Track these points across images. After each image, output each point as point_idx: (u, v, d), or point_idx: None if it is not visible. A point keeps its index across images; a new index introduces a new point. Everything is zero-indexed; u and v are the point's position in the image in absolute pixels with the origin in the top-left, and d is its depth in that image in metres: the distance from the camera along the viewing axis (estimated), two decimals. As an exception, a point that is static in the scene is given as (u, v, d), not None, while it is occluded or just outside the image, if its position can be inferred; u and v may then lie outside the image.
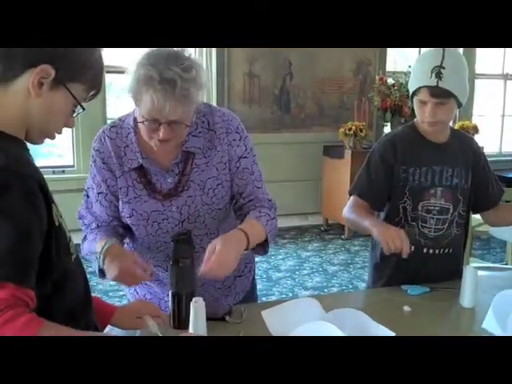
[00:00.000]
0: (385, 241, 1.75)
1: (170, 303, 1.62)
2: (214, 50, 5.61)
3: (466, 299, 1.77)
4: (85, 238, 1.73)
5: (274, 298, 3.93)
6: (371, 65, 6.34)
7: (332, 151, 5.75)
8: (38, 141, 1.18)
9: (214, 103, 5.20)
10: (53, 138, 1.19)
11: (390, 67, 6.39)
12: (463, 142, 2.02)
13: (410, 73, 5.51)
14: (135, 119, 1.60)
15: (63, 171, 5.46)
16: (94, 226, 1.72)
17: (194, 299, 1.49)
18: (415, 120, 1.98)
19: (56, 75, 1.09)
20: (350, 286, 4.39)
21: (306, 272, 4.67)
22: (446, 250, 1.99)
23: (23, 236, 1.01)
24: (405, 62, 6.32)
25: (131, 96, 1.52)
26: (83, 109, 1.17)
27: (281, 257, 5.03)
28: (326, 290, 4.27)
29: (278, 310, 1.60)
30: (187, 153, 1.65)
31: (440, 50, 1.82)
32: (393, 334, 1.46)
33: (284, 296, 4.11)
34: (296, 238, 5.60)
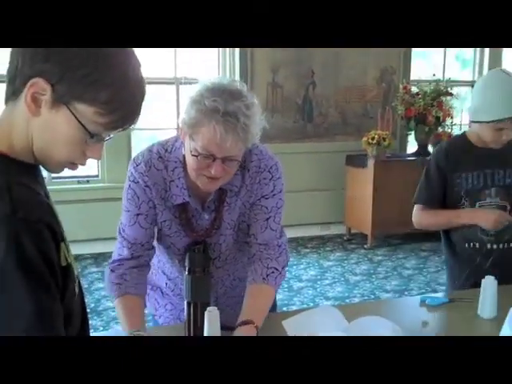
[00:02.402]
0: (494, 222, 2.01)
1: (185, 312, 1.63)
2: (237, 59, 5.64)
3: (486, 310, 1.74)
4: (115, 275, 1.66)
5: (294, 308, 3.90)
6: (395, 73, 6.30)
7: (355, 160, 5.72)
8: (51, 168, 1.05)
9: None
10: (70, 167, 1.05)
11: (414, 76, 6.33)
12: None
13: (434, 81, 5.49)
14: (183, 155, 1.57)
15: (88, 181, 5.51)
16: (126, 252, 1.66)
17: (208, 308, 1.50)
18: (466, 131, 2.20)
19: (54, 91, 0.93)
20: (372, 297, 4.34)
21: (327, 282, 4.64)
22: (510, 245, 2.12)
23: (44, 292, 0.92)
24: (429, 70, 6.27)
25: (187, 127, 1.47)
26: (91, 135, 0.98)
27: (302, 266, 5.01)
28: (347, 301, 4.24)
29: (298, 318, 1.60)
30: (220, 190, 1.62)
31: (508, 76, 1.98)
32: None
33: (305, 306, 4.09)
34: (318, 248, 5.57)
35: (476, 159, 2.11)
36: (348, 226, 5.92)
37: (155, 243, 1.77)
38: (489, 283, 1.74)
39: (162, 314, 1.88)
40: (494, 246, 2.10)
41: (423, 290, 4.42)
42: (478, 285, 2.02)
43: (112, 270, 1.65)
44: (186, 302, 1.62)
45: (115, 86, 0.96)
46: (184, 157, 1.57)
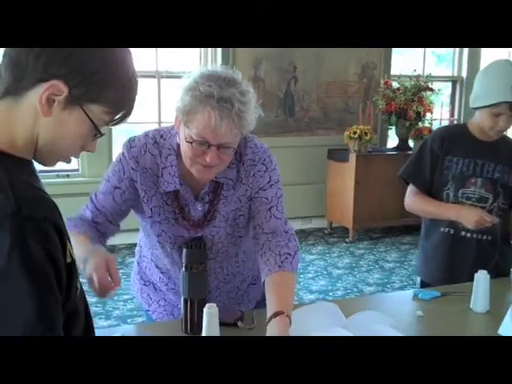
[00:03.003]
0: (475, 223, 2.03)
1: (181, 308, 1.62)
2: (219, 54, 5.62)
3: (479, 304, 1.76)
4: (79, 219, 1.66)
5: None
6: (376, 68, 6.33)
7: (336, 155, 5.74)
8: (47, 163, 1.05)
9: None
10: (67, 161, 1.07)
11: (394, 71, 6.38)
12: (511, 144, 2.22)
13: (414, 77, 5.54)
14: (178, 143, 1.56)
15: (68, 175, 5.45)
16: (88, 214, 1.66)
17: (207, 305, 1.49)
18: (468, 121, 2.25)
19: (70, 93, 0.95)
20: (355, 290, 4.38)
21: (310, 276, 4.66)
22: (484, 237, 2.14)
23: (47, 292, 0.91)
24: (410, 65, 6.31)
25: (182, 114, 1.46)
26: (101, 134, 1.03)
27: (286, 260, 5.03)
28: (330, 294, 4.27)
29: (296, 314, 1.60)
30: (216, 183, 1.63)
31: (509, 65, 2.05)
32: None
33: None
34: (300, 242, 5.51)
35: (470, 147, 2.16)
36: (329, 219, 5.95)
37: (143, 235, 1.78)
38: (481, 278, 1.77)
39: (156, 310, 1.87)
40: (468, 235, 2.14)
41: (405, 283, 4.47)
42: (453, 274, 2.12)
43: (68, 219, 1.61)
44: (182, 299, 1.61)
45: (122, 86, 1.00)
46: (178, 145, 1.56)
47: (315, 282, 4.51)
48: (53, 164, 1.06)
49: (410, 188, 2.27)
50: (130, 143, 1.62)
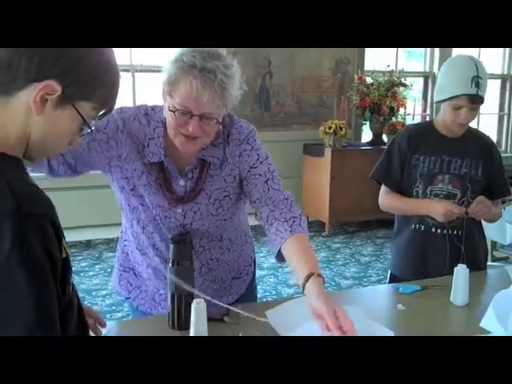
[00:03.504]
0: (443, 215, 2.07)
1: (168, 304, 1.63)
2: (194, 47, 5.61)
3: (459, 298, 1.80)
4: None
5: (258, 296, 3.93)
6: (350, 64, 6.39)
7: (312, 149, 5.79)
8: (36, 159, 1.07)
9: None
10: (53, 156, 1.11)
11: (368, 66, 6.44)
12: (477, 138, 2.25)
13: (388, 72, 5.60)
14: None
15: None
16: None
17: (195, 301, 1.50)
18: (434, 118, 2.30)
19: (63, 92, 0.97)
20: (333, 283, 4.43)
21: (287, 269, 4.68)
22: (454, 232, 2.18)
23: (45, 289, 0.93)
24: (383, 61, 6.38)
25: (167, 85, 1.50)
26: (91, 130, 1.07)
27: (262, 254, 5.04)
28: (308, 288, 4.30)
29: (281, 309, 1.62)
30: (203, 161, 1.64)
31: (470, 59, 2.07)
32: (391, 333, 1.49)
33: (267, 294, 4.14)
34: (277, 236, 5.60)
35: (436, 145, 2.19)
36: (305, 214, 5.93)
37: (125, 214, 1.76)
38: (461, 271, 1.81)
39: (137, 296, 1.87)
40: (438, 231, 2.18)
41: (381, 276, 4.53)
42: (422, 268, 2.18)
43: None
44: (169, 294, 1.62)
45: (110, 83, 1.05)
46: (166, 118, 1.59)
47: (292, 277, 4.53)
48: (40, 161, 1.10)
49: (383, 188, 2.30)
50: (122, 109, 1.65)
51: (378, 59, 6.55)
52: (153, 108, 1.65)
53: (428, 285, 1.97)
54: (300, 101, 6.24)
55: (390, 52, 6.68)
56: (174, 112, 1.49)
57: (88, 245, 4.99)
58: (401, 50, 6.80)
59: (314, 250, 5.18)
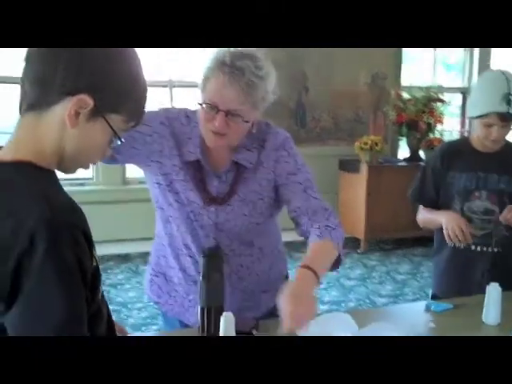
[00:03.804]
0: (446, 229, 2.03)
1: (198, 317, 1.65)
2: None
3: (490, 317, 1.78)
4: None
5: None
6: (386, 78, 6.36)
7: (348, 165, 5.77)
8: (70, 171, 1.11)
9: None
10: (87, 168, 1.13)
11: (405, 82, 6.41)
12: None
13: (425, 88, 5.53)
14: None
15: (82, 184, 5.51)
16: None
17: (224, 314, 1.52)
18: (469, 135, 2.30)
19: (95, 106, 1.01)
20: (368, 301, 4.39)
21: (322, 286, 4.67)
22: (496, 250, 2.14)
23: (76, 295, 0.97)
24: (420, 77, 6.34)
25: (201, 82, 1.57)
26: (121, 141, 1.10)
27: (297, 270, 5.05)
28: (342, 305, 4.28)
29: (312, 324, 1.63)
30: (237, 165, 1.69)
31: (501, 75, 2.03)
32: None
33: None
34: (311, 252, 5.59)
35: (471, 161, 2.16)
36: (340, 230, 5.95)
37: (158, 217, 1.80)
38: (493, 290, 1.79)
39: (166, 302, 1.89)
40: (478, 249, 2.14)
41: (417, 295, 4.48)
42: (465, 287, 2.12)
43: None
44: (199, 307, 1.64)
45: (139, 96, 1.09)
46: None
47: (327, 293, 4.52)
48: (74, 172, 1.13)
49: (420, 207, 2.29)
50: (167, 108, 1.75)
51: (416, 74, 6.51)
52: (194, 111, 1.71)
53: (461, 303, 1.95)
54: (336, 116, 6.23)
55: (428, 67, 6.63)
56: (202, 106, 1.56)
57: (126, 258, 5.06)
58: (439, 64, 6.75)
59: (346, 267, 5.14)
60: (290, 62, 5.85)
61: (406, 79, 6.44)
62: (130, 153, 1.67)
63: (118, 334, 1.46)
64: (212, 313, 1.63)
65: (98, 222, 5.44)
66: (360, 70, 6.22)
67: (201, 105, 1.57)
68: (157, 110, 1.73)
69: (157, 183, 1.74)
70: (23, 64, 1.03)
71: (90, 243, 1.03)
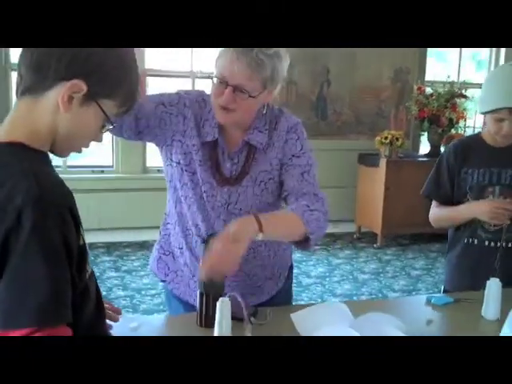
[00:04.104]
0: (488, 214, 2.05)
1: (197, 302, 1.68)
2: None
3: (490, 312, 1.78)
4: None
5: (302, 303, 3.95)
6: (410, 73, 6.31)
7: (367, 159, 5.75)
8: (63, 154, 1.15)
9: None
10: (79, 151, 1.16)
11: (428, 76, 6.35)
12: None
13: (448, 83, 5.48)
14: None
15: (102, 171, 5.59)
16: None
17: (220, 299, 1.54)
18: (481, 131, 2.26)
19: (88, 91, 1.05)
20: (380, 295, 4.38)
21: (335, 279, 4.69)
22: (510, 245, 2.13)
23: (60, 275, 1.00)
24: (444, 71, 6.28)
25: (215, 64, 1.63)
26: (113, 126, 1.15)
27: (311, 263, 5.06)
28: (355, 298, 4.29)
29: (307, 312, 1.64)
30: (249, 145, 1.74)
31: None
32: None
33: (313, 302, 4.13)
34: (328, 245, 5.61)
35: (484, 156, 2.15)
36: (358, 224, 5.96)
37: (170, 196, 1.85)
38: (493, 285, 1.78)
39: (172, 280, 1.93)
40: (492, 244, 2.14)
41: (431, 291, 4.45)
42: (476, 283, 2.09)
43: None
44: (198, 293, 1.67)
45: (131, 82, 1.13)
46: None
47: (340, 286, 4.53)
48: (67, 155, 1.17)
49: (433, 203, 2.28)
50: (187, 91, 1.81)
51: (440, 69, 6.45)
52: (209, 94, 1.76)
53: (462, 297, 1.95)
54: (357, 110, 6.21)
55: (453, 62, 6.56)
56: (212, 80, 1.62)
57: (143, 245, 5.12)
58: (466, 60, 6.67)
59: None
60: (313, 54, 5.85)
61: (430, 74, 6.38)
62: (155, 132, 1.74)
63: (110, 313, 1.50)
64: (210, 298, 1.66)
65: (117, 209, 5.53)
66: (383, 64, 6.19)
67: (212, 79, 1.63)
68: (177, 92, 1.78)
69: (176, 162, 1.78)
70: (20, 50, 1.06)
71: (76, 222, 1.05)
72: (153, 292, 4.16)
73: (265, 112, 1.73)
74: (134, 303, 3.95)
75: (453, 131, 5.78)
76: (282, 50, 1.64)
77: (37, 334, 0.96)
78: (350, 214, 6.00)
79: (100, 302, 1.20)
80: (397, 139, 5.43)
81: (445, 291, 2.27)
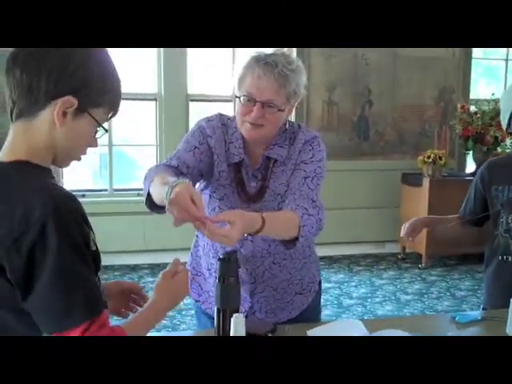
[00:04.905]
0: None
1: (215, 318, 1.71)
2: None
3: (513, 328, 1.74)
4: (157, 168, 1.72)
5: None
6: (454, 92, 6.24)
7: (410, 179, 5.69)
8: (64, 165, 1.24)
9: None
10: (79, 160, 1.24)
11: (472, 95, 6.26)
12: None
13: (493, 101, 5.40)
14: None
15: (138, 194, 5.72)
16: (175, 162, 1.74)
17: (234, 315, 1.57)
18: None
19: (79, 104, 1.13)
20: (422, 316, 4.30)
21: (377, 300, 4.62)
22: None
23: (89, 271, 1.10)
24: (488, 89, 6.18)
25: (237, 83, 1.70)
26: (106, 131, 1.22)
27: (354, 284, 5.01)
28: (396, 319, 4.22)
29: (323, 329, 1.65)
30: (268, 159, 1.79)
31: None
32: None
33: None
34: (371, 266, 5.55)
35: None
36: (402, 244, 5.87)
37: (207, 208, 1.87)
38: (517, 301, 1.74)
39: (206, 300, 1.97)
40: None
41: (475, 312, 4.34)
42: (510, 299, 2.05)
43: (156, 166, 1.74)
44: (215, 309, 1.70)
45: (115, 89, 1.20)
46: None
47: (382, 307, 4.47)
48: (68, 165, 1.25)
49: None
50: (208, 118, 1.84)
51: (484, 87, 6.35)
52: (229, 118, 1.84)
53: (489, 316, 1.91)
54: (400, 130, 6.17)
55: (497, 80, 6.45)
56: (240, 99, 1.68)
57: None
58: (510, 77, 6.54)
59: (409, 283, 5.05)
60: (354, 75, 5.87)
61: (474, 92, 6.29)
62: (200, 172, 1.78)
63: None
64: (227, 314, 1.68)
65: (162, 231, 5.62)
66: (426, 83, 6.15)
67: (238, 98, 1.69)
68: (197, 124, 1.83)
69: (200, 189, 1.84)
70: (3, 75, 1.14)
71: (88, 227, 1.14)
72: (192, 312, 4.19)
73: (286, 128, 1.79)
74: (174, 323, 4.01)
75: (498, 149, 5.66)
76: (301, 64, 1.72)
77: (92, 327, 1.06)
78: (394, 235, 5.90)
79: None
80: (440, 158, 5.36)
81: (483, 310, 2.23)
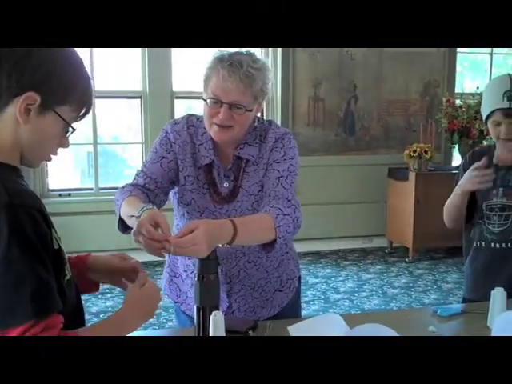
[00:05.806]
0: (471, 183, 2.06)
1: (195, 316, 1.70)
2: (278, 74, 5.72)
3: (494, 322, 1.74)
4: (125, 187, 1.73)
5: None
6: (439, 86, 6.26)
7: (396, 173, 5.70)
8: (34, 164, 1.21)
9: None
10: (49, 159, 1.21)
11: (457, 89, 6.28)
12: None
13: (478, 94, 5.44)
14: None
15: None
16: (141, 181, 1.74)
17: (213, 312, 1.56)
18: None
19: (42, 101, 1.10)
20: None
21: (364, 294, 4.64)
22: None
23: (41, 267, 1.06)
24: (473, 83, 6.20)
25: (203, 83, 1.68)
26: (74, 130, 1.19)
27: (341, 278, 5.02)
28: (383, 313, 4.24)
29: (303, 325, 1.64)
30: (239, 159, 1.77)
31: (506, 76, 2.06)
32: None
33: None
34: (358, 260, 5.57)
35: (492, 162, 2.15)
36: (389, 239, 5.89)
37: (176, 218, 1.88)
38: (498, 294, 1.75)
39: (184, 301, 1.96)
40: (497, 246, 2.12)
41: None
42: (488, 289, 2.06)
43: (122, 187, 1.73)
44: (195, 307, 1.69)
45: (83, 86, 1.17)
46: None
47: (369, 301, 4.48)
48: (38, 165, 1.24)
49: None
50: (175, 121, 1.83)
51: (469, 81, 6.37)
52: (197, 118, 1.81)
53: (469, 309, 1.91)
54: (386, 124, 6.18)
55: (481, 74, 6.47)
56: (206, 102, 1.65)
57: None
58: (499, 69, 6.57)
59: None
60: (339, 72, 5.87)
61: (459, 86, 6.31)
62: (169, 181, 1.78)
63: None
64: (207, 312, 1.67)
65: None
66: (411, 77, 6.16)
67: (205, 101, 1.66)
68: (164, 128, 1.81)
69: (175, 194, 1.83)
70: None
71: (48, 224, 1.11)
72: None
73: (255, 126, 1.76)
74: (160, 321, 4.00)
75: (484, 143, 5.68)
76: (266, 61, 1.70)
77: (35, 328, 1.02)
78: (381, 229, 5.94)
79: (78, 312, 1.24)
80: (426, 152, 5.37)
81: (464, 301, 2.24)
